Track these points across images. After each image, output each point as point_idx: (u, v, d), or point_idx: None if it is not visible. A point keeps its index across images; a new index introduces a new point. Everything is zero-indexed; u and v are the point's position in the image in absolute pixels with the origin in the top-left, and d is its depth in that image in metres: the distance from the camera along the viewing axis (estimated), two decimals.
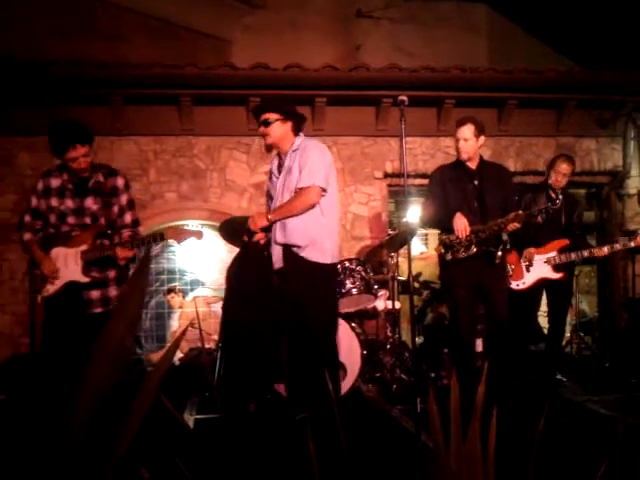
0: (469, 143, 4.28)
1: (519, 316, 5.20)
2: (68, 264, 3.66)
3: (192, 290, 7.17)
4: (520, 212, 4.13)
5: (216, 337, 5.44)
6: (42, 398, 3.44)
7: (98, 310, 3.75)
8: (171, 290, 6.94)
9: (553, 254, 5.04)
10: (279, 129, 3.68)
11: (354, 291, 4.82)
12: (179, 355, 5.85)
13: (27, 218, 3.87)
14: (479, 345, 4.95)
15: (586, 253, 4.98)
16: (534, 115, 6.93)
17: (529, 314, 5.32)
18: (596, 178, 7.26)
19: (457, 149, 4.35)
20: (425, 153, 6.86)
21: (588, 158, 7.16)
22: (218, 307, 5.94)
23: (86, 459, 1.10)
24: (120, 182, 3.87)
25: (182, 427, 1.59)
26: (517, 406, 3.93)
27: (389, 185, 6.91)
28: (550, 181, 5.09)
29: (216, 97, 6.36)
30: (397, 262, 5.49)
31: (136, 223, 3.93)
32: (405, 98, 3.59)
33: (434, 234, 5.81)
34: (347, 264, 4.94)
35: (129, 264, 3.84)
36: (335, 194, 3.78)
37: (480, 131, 4.30)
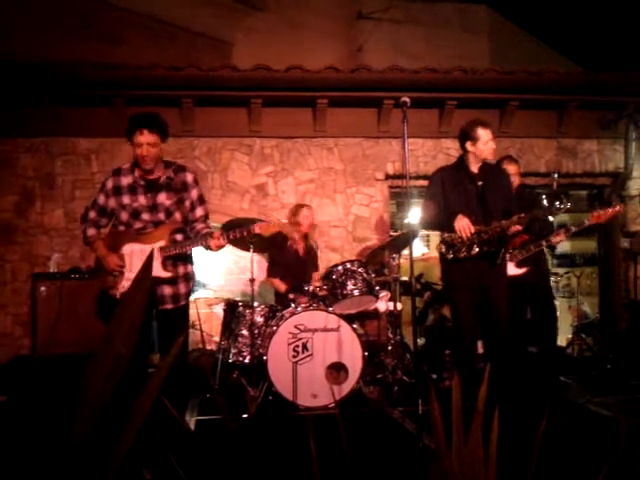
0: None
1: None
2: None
3: (193, 292, 7.16)
4: (523, 215, 4.13)
5: (217, 339, 5.43)
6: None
7: (169, 306, 3.79)
8: None
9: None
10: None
11: (355, 292, 4.82)
12: None
13: (92, 214, 3.84)
14: (480, 347, 4.94)
15: (543, 242, 4.98)
16: (535, 116, 6.92)
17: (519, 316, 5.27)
18: (597, 179, 7.25)
19: (486, 150, 4.33)
20: (426, 154, 6.86)
21: (590, 159, 7.15)
22: (219, 309, 5.93)
23: (88, 460, 1.10)
24: (189, 177, 3.88)
25: (183, 429, 1.59)
26: (519, 408, 3.93)
27: (390, 186, 6.90)
28: None
29: (217, 98, 6.35)
30: (399, 263, 5.49)
31: (206, 217, 3.96)
32: (408, 99, 3.60)
33: (436, 235, 5.79)
34: (348, 265, 4.94)
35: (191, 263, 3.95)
36: None
37: None
